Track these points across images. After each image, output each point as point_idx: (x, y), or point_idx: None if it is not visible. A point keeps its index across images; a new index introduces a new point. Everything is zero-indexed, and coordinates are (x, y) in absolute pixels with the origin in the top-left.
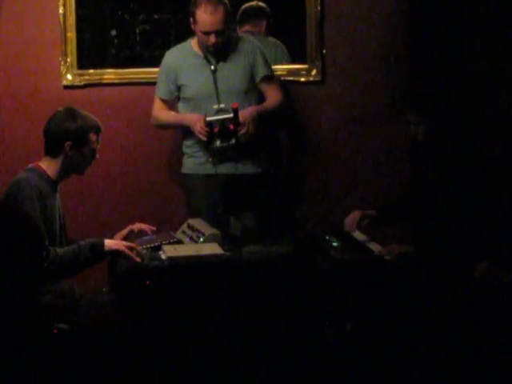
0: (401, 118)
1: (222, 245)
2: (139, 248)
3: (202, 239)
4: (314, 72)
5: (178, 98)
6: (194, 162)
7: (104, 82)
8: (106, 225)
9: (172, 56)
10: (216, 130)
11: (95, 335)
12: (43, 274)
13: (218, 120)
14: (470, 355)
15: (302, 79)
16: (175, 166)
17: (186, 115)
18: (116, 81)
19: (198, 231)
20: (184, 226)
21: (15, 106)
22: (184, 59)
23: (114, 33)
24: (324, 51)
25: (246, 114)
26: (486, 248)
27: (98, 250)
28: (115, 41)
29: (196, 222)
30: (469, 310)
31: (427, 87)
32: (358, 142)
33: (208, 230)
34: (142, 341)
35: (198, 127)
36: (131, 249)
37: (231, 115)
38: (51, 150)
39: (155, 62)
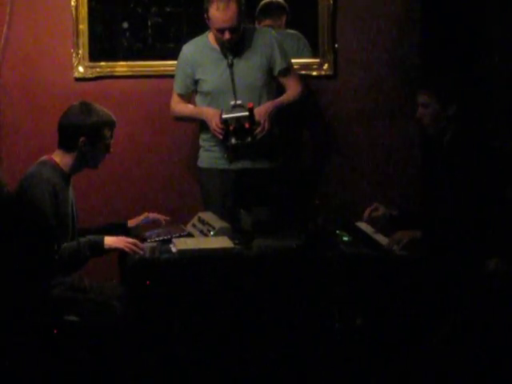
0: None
1: (232, 238)
2: (141, 245)
3: (212, 233)
4: (326, 66)
5: (196, 92)
6: (210, 156)
7: (116, 74)
8: (118, 217)
9: (189, 50)
10: (232, 128)
11: (105, 327)
12: (53, 267)
13: (233, 118)
14: (481, 350)
15: (314, 73)
16: (187, 159)
17: (203, 109)
18: (128, 73)
19: (209, 225)
20: (194, 220)
21: (27, 99)
22: (201, 53)
23: (125, 25)
24: (336, 45)
25: (262, 111)
26: (496, 243)
27: (97, 248)
28: (127, 33)
29: (206, 216)
30: (479, 305)
31: (443, 73)
32: (370, 136)
33: (218, 223)
34: (151, 333)
35: (214, 124)
36: (133, 243)
37: (247, 113)
38: (65, 144)
39: (167, 54)
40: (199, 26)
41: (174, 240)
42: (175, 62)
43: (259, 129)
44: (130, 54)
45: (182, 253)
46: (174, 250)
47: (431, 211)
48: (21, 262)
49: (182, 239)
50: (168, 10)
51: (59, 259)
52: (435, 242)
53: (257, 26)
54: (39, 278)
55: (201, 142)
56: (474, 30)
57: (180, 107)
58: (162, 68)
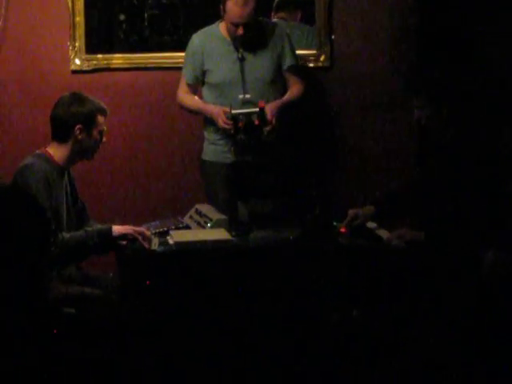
0: (408, 103)
1: (229, 230)
2: (148, 233)
3: (209, 224)
4: (322, 58)
5: (203, 83)
6: (215, 149)
7: (112, 66)
8: (117, 212)
9: (199, 39)
10: (241, 124)
11: (102, 320)
12: (50, 259)
13: (243, 114)
14: (479, 342)
15: (311, 65)
16: (184, 150)
17: (209, 106)
18: (124, 66)
19: (206, 216)
20: (192, 212)
21: (23, 91)
22: (211, 43)
23: (122, 17)
24: (333, 37)
25: (273, 109)
26: (494, 236)
27: (106, 235)
28: (124, 25)
29: (204, 208)
30: (477, 297)
31: (434, 73)
32: (367, 128)
33: (215, 215)
34: (148, 326)
35: (221, 122)
36: (140, 234)
37: (257, 109)
38: (59, 135)
39: (164, 46)
40: (196, 17)
41: (171, 232)
42: (172, 54)
43: (269, 127)
44: (126, 47)
45: (180, 245)
46: (171, 241)
47: (430, 208)
48: (16, 254)
49: (179, 231)
50: (164, 1)
51: (63, 249)
52: (439, 237)
53: (271, 18)
54: (35, 270)
55: (206, 135)
56: (472, 23)
57: (187, 99)
58: (159, 60)
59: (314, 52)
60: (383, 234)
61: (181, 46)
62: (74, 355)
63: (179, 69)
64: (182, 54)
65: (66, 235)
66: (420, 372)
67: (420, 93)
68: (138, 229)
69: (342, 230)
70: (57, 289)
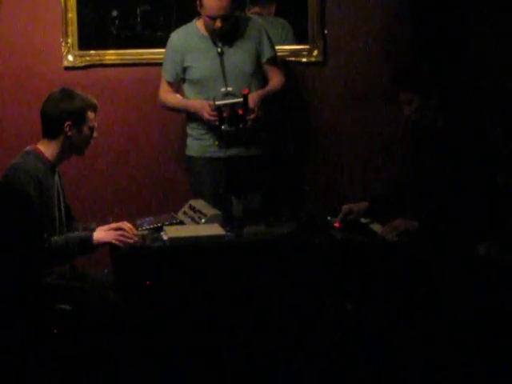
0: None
1: (223, 226)
2: (128, 227)
3: (203, 220)
4: (315, 52)
5: (184, 80)
6: (199, 144)
7: (105, 62)
8: (108, 207)
9: (178, 37)
10: (225, 114)
11: (97, 316)
12: (43, 256)
13: (227, 104)
14: (472, 336)
15: (304, 60)
16: (177, 146)
17: (191, 101)
18: (117, 61)
19: (200, 212)
20: (186, 207)
21: (16, 88)
22: (190, 40)
23: (115, 13)
24: (326, 32)
25: (255, 98)
26: (488, 227)
27: (85, 244)
28: (116, 21)
29: (198, 203)
30: (471, 290)
31: (416, 65)
32: (360, 123)
33: (209, 210)
34: (143, 322)
35: (206, 114)
36: (121, 235)
37: (240, 99)
38: (50, 132)
39: (156, 42)
40: (188, 13)
41: (165, 228)
42: (164, 50)
43: (252, 115)
44: (119, 43)
45: (174, 240)
46: (165, 237)
47: (424, 201)
48: (10, 251)
49: (173, 227)
50: None
51: (48, 251)
52: (433, 231)
53: (246, 13)
54: (30, 266)
55: (189, 131)
56: (464, 17)
57: (169, 97)
58: (152, 56)
59: (307, 47)
60: (377, 228)
61: None
62: (69, 350)
63: None
64: None
65: (51, 239)
66: (414, 366)
67: (406, 85)
68: (118, 232)
69: (336, 224)
70: (51, 284)
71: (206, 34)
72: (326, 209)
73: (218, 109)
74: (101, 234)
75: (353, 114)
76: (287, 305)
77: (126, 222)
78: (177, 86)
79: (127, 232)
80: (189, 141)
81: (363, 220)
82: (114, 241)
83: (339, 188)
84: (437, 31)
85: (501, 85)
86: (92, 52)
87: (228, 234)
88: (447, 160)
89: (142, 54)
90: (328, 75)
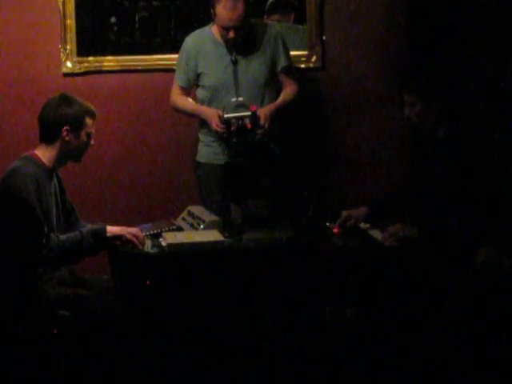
0: (398, 101)
1: (221, 232)
2: (142, 235)
3: (202, 226)
4: (314, 58)
5: (197, 85)
6: (208, 151)
7: (104, 69)
8: (110, 214)
9: (192, 41)
10: (233, 128)
11: (96, 322)
12: (43, 261)
13: (235, 117)
14: (471, 341)
15: (303, 65)
16: (175, 152)
17: (203, 108)
18: (116, 68)
19: (199, 218)
20: (184, 213)
21: (15, 94)
22: (204, 46)
23: (113, 20)
24: (324, 37)
25: (266, 113)
26: (486, 233)
27: (100, 236)
28: (115, 28)
29: (196, 209)
30: (470, 296)
31: (424, 69)
32: (358, 128)
33: (208, 216)
34: (142, 328)
35: (214, 125)
36: (135, 235)
37: (249, 113)
38: (47, 137)
39: (155, 49)
40: (186, 19)
41: (163, 234)
42: (163, 56)
43: (261, 131)
44: (117, 49)
45: (172, 246)
46: (163, 243)
47: (424, 207)
48: (8, 256)
49: (171, 233)
50: (155, 4)
51: (60, 251)
52: (433, 236)
53: (264, 20)
54: (28, 272)
55: (200, 137)
56: (461, 23)
57: (180, 101)
58: (150, 62)
59: (306, 53)
60: (376, 234)
61: (172, 48)
62: (69, 356)
63: (171, 71)
64: (174, 56)
65: (62, 236)
66: (414, 372)
67: (412, 89)
68: (131, 230)
69: (335, 230)
70: (50, 291)
71: (221, 40)
72: (325, 214)
73: (227, 121)
74: (114, 227)
75: (351, 119)
76: (286, 311)
77: (138, 230)
78: (189, 90)
79: (139, 237)
80: (199, 146)
81: (362, 226)
82: (127, 235)
83: (338, 193)
84: (435, 37)
85: (501, 87)
86: (90, 58)
87: (226, 240)
88: (447, 166)
89: (140, 61)
90: (326, 81)
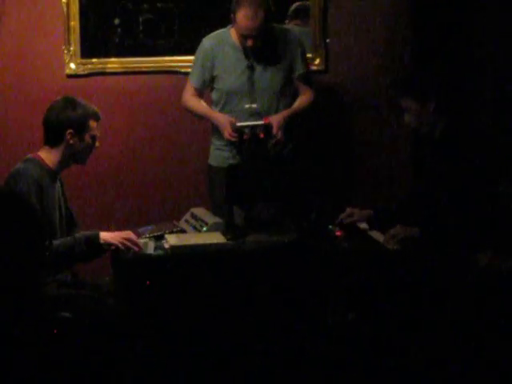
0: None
1: (224, 234)
2: (135, 237)
3: (204, 228)
4: (317, 61)
5: (212, 88)
6: (219, 154)
7: (107, 71)
8: (114, 215)
9: (210, 43)
10: (246, 137)
11: (98, 324)
12: (45, 264)
13: (248, 126)
14: (473, 344)
15: None
16: (179, 154)
17: (215, 114)
18: (119, 70)
19: (201, 220)
20: (187, 215)
21: (18, 96)
22: (222, 48)
23: (117, 22)
24: (327, 40)
25: (280, 123)
26: (488, 236)
27: (93, 241)
28: (118, 30)
29: (199, 212)
30: (472, 299)
31: (414, 71)
32: (362, 131)
33: (211, 219)
34: (144, 330)
35: (227, 134)
36: (128, 239)
37: (262, 122)
38: (51, 140)
39: (158, 51)
40: (191, 22)
41: (166, 236)
42: (167, 58)
43: (274, 140)
44: (121, 51)
45: (175, 249)
46: (166, 245)
47: (425, 208)
48: (10, 258)
49: (174, 235)
50: (159, 5)
51: (53, 255)
52: (433, 238)
53: (286, 24)
54: (31, 274)
55: (213, 140)
56: (465, 25)
57: (193, 102)
58: (154, 64)
59: (310, 55)
60: (376, 235)
61: (176, 50)
62: (69, 358)
63: (175, 73)
64: (177, 58)
65: (56, 241)
66: (417, 374)
67: (403, 93)
68: (124, 235)
69: (338, 233)
70: (52, 293)
71: (238, 44)
72: (328, 217)
73: (239, 130)
74: (108, 234)
75: (354, 122)
76: (288, 314)
77: (130, 232)
78: (202, 91)
79: (133, 240)
80: (211, 150)
81: (362, 226)
82: (119, 244)
83: (341, 196)
84: (437, 39)
85: (501, 88)
86: (94, 60)
87: (229, 242)
88: (444, 166)
89: (144, 62)
90: (330, 83)
